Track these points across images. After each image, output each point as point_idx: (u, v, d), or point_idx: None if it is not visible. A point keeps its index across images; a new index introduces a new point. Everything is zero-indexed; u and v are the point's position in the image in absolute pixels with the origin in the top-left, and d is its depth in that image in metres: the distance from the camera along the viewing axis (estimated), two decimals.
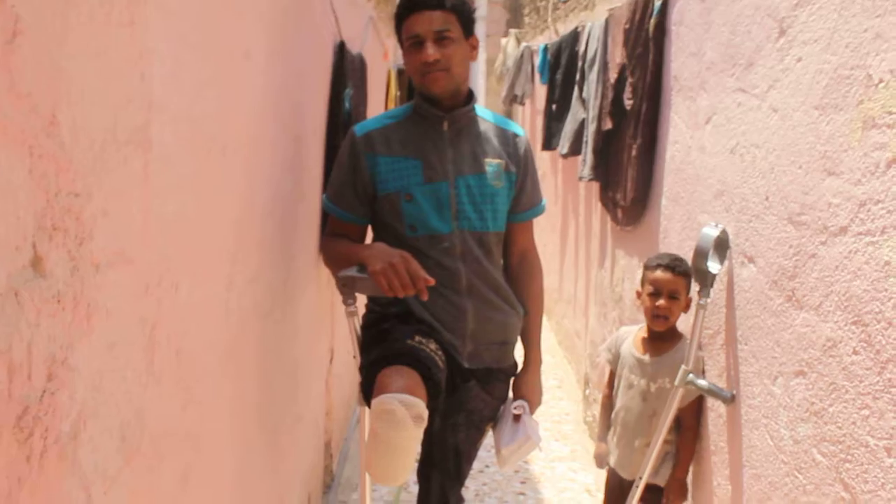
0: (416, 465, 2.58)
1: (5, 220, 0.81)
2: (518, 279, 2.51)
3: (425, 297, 2.11)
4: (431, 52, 2.22)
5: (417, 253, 2.24)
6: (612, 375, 2.94)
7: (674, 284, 2.63)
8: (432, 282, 2.11)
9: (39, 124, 0.86)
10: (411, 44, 2.26)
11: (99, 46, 0.99)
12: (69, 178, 0.93)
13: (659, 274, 2.65)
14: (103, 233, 1.02)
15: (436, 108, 2.31)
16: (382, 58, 5.50)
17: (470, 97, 2.37)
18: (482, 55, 11.53)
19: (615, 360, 2.91)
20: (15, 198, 0.82)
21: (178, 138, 1.31)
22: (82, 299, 0.96)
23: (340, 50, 3.20)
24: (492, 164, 2.35)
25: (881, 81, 1.63)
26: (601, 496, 3.06)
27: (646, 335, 2.79)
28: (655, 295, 2.66)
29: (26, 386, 0.85)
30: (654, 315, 2.68)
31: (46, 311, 0.88)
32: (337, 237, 2.42)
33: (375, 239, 2.42)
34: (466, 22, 2.29)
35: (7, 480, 0.83)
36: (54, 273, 0.90)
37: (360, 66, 3.69)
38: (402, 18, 2.28)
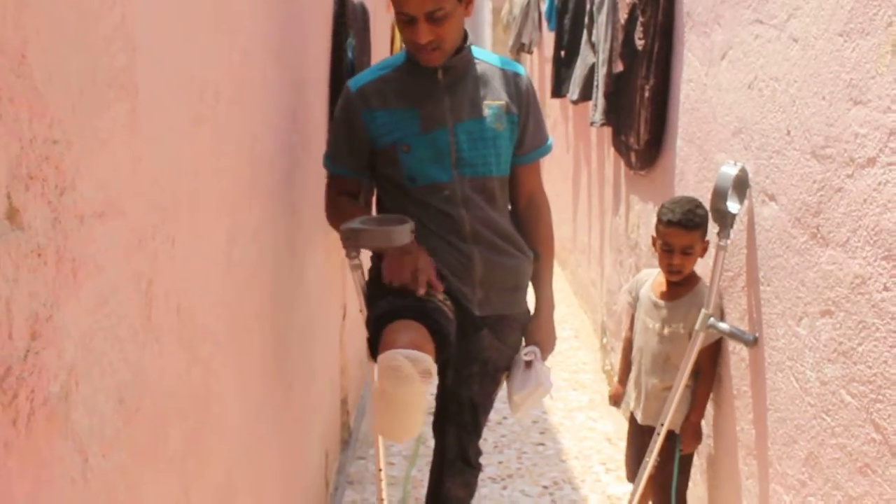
0: (431, 419, 2.55)
1: None
2: (526, 222, 2.44)
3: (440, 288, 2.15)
4: (424, 33, 2.11)
5: (419, 203, 2.19)
6: (633, 319, 2.89)
7: (686, 240, 2.55)
8: (440, 289, 2.14)
9: (7, 64, 0.79)
10: (404, 19, 2.14)
11: None
12: (45, 124, 0.86)
13: (671, 231, 2.57)
14: (87, 182, 0.95)
15: None
16: (386, 9, 5.38)
17: (464, 41, 2.28)
18: (488, 5, 11.34)
19: (635, 303, 2.85)
20: None
21: (168, 83, 1.24)
22: (66, 253, 0.90)
23: None
24: (491, 106, 2.26)
25: None
26: (622, 444, 3.03)
27: (664, 279, 2.72)
28: (668, 251, 2.58)
29: (7, 345, 0.79)
30: (668, 270, 2.61)
31: (26, 265, 0.82)
32: (343, 199, 2.38)
33: (379, 192, 2.37)
34: None
35: None
36: (33, 225, 0.84)
37: (363, 15, 3.58)
38: None
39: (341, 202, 2.37)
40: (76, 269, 0.93)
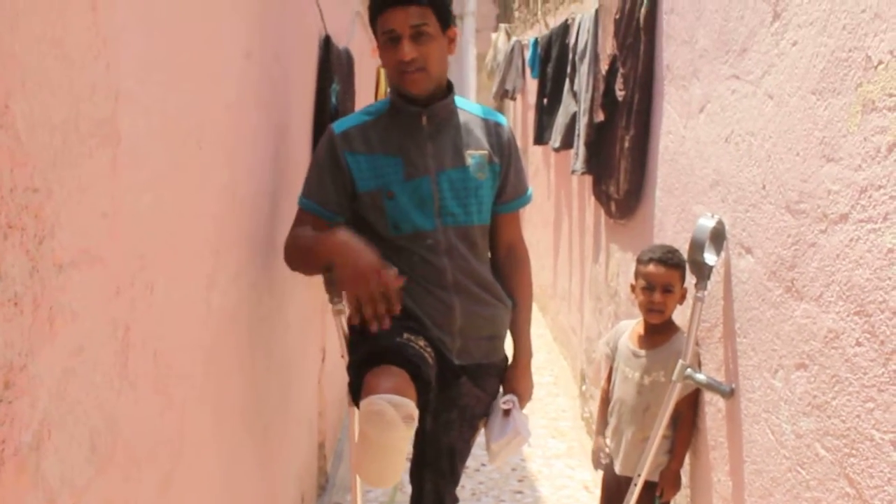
0: (408, 465, 2.53)
1: None
2: (506, 272, 2.45)
3: (397, 309, 2.11)
4: (408, 50, 2.15)
5: (401, 250, 2.18)
6: (611, 370, 2.89)
7: (667, 278, 2.58)
8: (399, 288, 2.10)
9: None
10: (387, 40, 2.18)
11: (57, 33, 0.93)
12: (26, 173, 0.87)
13: (652, 268, 2.60)
14: (66, 231, 0.96)
15: (413, 103, 2.25)
16: (371, 54, 5.44)
17: (449, 89, 2.31)
18: (472, 51, 11.47)
19: (613, 354, 2.86)
20: None
21: (150, 131, 1.25)
22: (43, 301, 0.91)
23: (326, 44, 3.14)
24: (474, 155, 2.29)
25: (881, 63, 1.57)
26: (599, 493, 3.01)
27: (642, 328, 2.74)
28: (649, 289, 2.62)
29: None
30: (648, 309, 2.64)
31: (2, 314, 0.82)
32: (301, 227, 2.26)
33: None
34: (443, 15, 2.21)
35: None
36: (10, 274, 0.84)
37: (347, 61, 3.63)
38: (376, 13, 2.19)
39: (302, 236, 2.23)
40: (52, 317, 0.93)
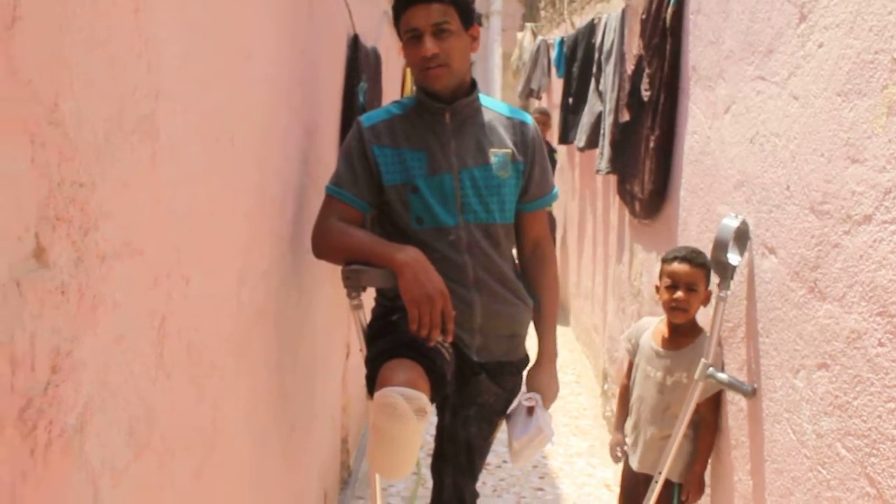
0: (429, 459, 2.57)
1: (6, 209, 0.79)
2: (531, 270, 2.47)
3: (450, 339, 2.11)
4: (430, 46, 2.19)
5: (424, 246, 2.19)
6: (631, 366, 2.91)
7: (691, 276, 2.59)
8: (451, 336, 2.11)
9: (41, 112, 0.85)
10: (410, 37, 2.23)
11: (102, 34, 0.97)
12: (73, 168, 0.91)
13: (676, 266, 2.61)
14: (109, 223, 1.00)
15: (437, 100, 2.28)
16: (398, 52, 5.48)
17: (473, 87, 2.34)
18: (498, 50, 11.49)
19: (634, 350, 2.87)
20: (16, 187, 0.81)
21: (187, 128, 1.29)
22: (87, 291, 0.95)
23: (354, 43, 3.18)
24: (497, 154, 2.31)
25: None
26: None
27: (666, 328, 2.75)
28: (673, 287, 2.62)
29: (30, 378, 0.83)
30: (672, 307, 2.64)
31: (50, 302, 0.87)
32: (347, 224, 2.25)
33: (381, 232, 2.36)
34: (466, 13, 2.25)
35: (10, 474, 0.81)
36: (58, 264, 0.88)
37: (375, 60, 3.67)
38: (399, 12, 2.24)
39: (354, 233, 2.23)
40: (96, 306, 0.97)
